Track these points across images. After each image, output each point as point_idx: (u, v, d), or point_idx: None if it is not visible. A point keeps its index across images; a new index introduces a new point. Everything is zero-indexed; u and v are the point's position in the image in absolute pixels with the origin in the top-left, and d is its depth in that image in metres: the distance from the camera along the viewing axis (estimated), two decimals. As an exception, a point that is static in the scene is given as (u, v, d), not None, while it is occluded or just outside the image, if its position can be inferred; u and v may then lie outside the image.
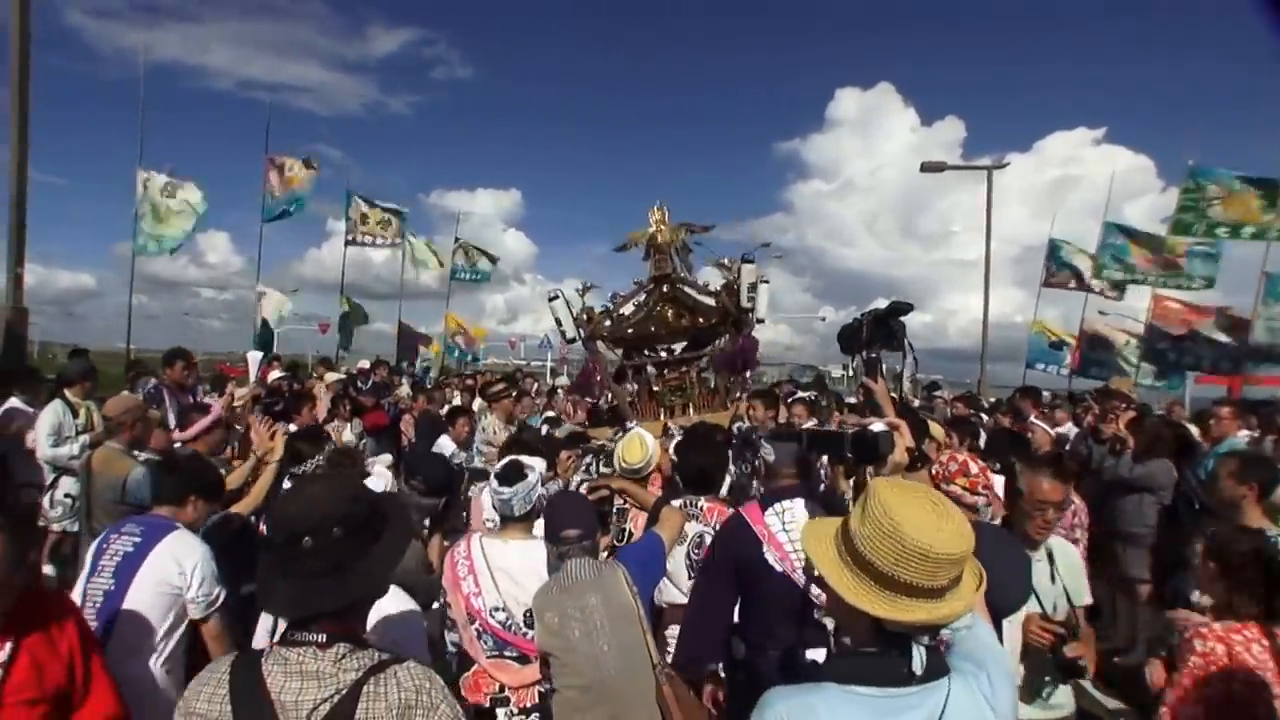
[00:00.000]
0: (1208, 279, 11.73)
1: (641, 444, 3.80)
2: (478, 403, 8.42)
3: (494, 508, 2.72)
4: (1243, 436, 5.46)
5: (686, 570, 3.02)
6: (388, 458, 6.61)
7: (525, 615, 2.53)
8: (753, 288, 6.03)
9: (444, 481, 3.06)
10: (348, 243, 13.56)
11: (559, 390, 9.50)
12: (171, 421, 5.30)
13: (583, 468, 4.44)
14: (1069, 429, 6.97)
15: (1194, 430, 6.18)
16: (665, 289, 6.21)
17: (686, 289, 6.25)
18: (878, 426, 1.92)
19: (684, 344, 6.31)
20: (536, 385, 12.96)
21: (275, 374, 7.72)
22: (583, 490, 4.10)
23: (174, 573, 2.44)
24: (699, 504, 3.10)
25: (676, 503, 3.13)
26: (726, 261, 6.35)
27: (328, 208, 13.96)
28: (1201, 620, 2.41)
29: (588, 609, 2.17)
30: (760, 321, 6.33)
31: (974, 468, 2.49)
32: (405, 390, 10.15)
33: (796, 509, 2.53)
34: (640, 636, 2.18)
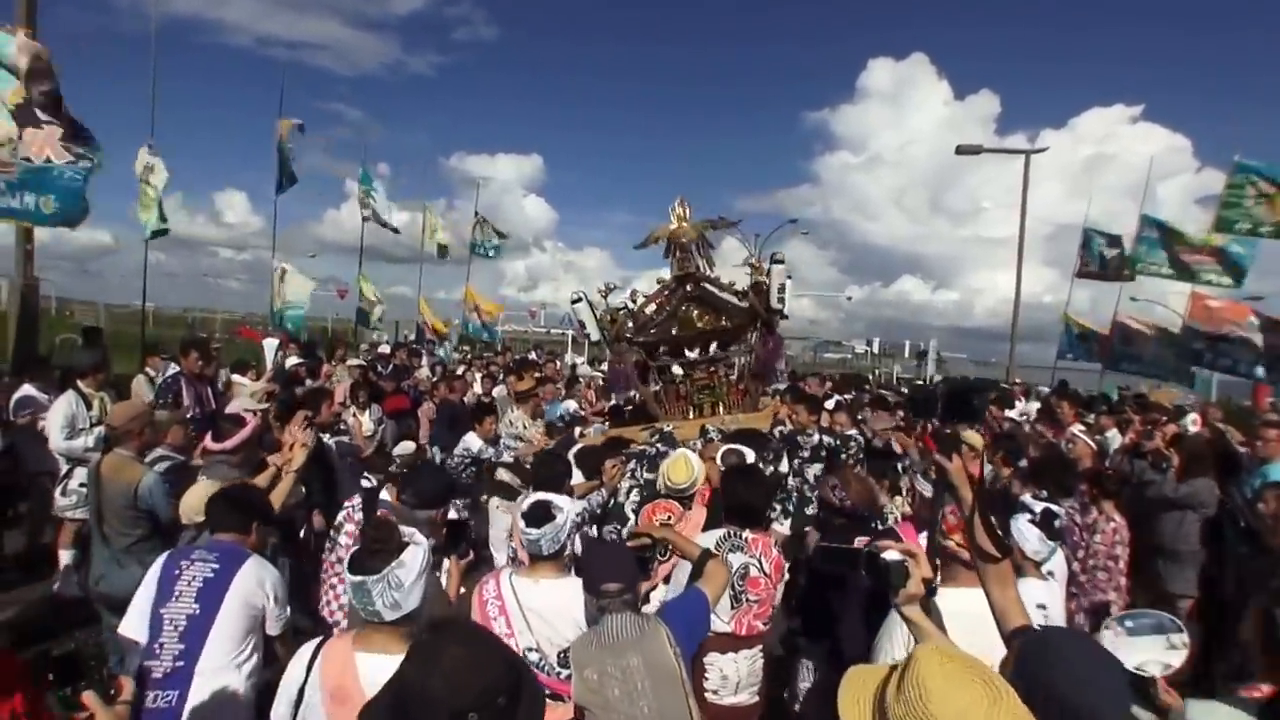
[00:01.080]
0: (1238, 277, 11.29)
1: (687, 464, 3.74)
2: (498, 390, 8.35)
3: (522, 546, 2.62)
4: None
5: (731, 601, 2.94)
6: (408, 445, 6.65)
7: (559, 656, 2.46)
8: (782, 288, 5.87)
9: (437, 494, 2.98)
10: (365, 219, 13.41)
11: (580, 379, 9.35)
12: (187, 403, 5.28)
13: (628, 474, 4.34)
14: (1112, 436, 6.78)
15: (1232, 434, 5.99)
16: (689, 288, 6.00)
17: (711, 288, 6.04)
18: (892, 555, 1.88)
19: (708, 344, 6.12)
20: (557, 364, 12.83)
21: (292, 360, 7.58)
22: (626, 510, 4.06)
23: (259, 595, 2.68)
24: (743, 535, 3.06)
25: (719, 532, 3.06)
26: (755, 261, 6.16)
27: (346, 168, 13.68)
28: None
29: (628, 669, 2.03)
30: (785, 318, 6.19)
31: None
32: (425, 372, 10.11)
33: None
34: (683, 701, 2.05)
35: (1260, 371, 10.48)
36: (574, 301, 6.07)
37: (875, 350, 44.64)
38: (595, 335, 6.09)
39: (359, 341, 14.10)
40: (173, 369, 6.12)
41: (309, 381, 7.33)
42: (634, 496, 4.09)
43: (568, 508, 2.57)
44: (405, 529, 2.31)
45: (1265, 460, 5.34)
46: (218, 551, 2.72)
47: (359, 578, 1.89)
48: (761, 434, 5.11)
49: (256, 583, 2.68)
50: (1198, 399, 14.52)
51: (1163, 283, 12.73)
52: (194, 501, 3.14)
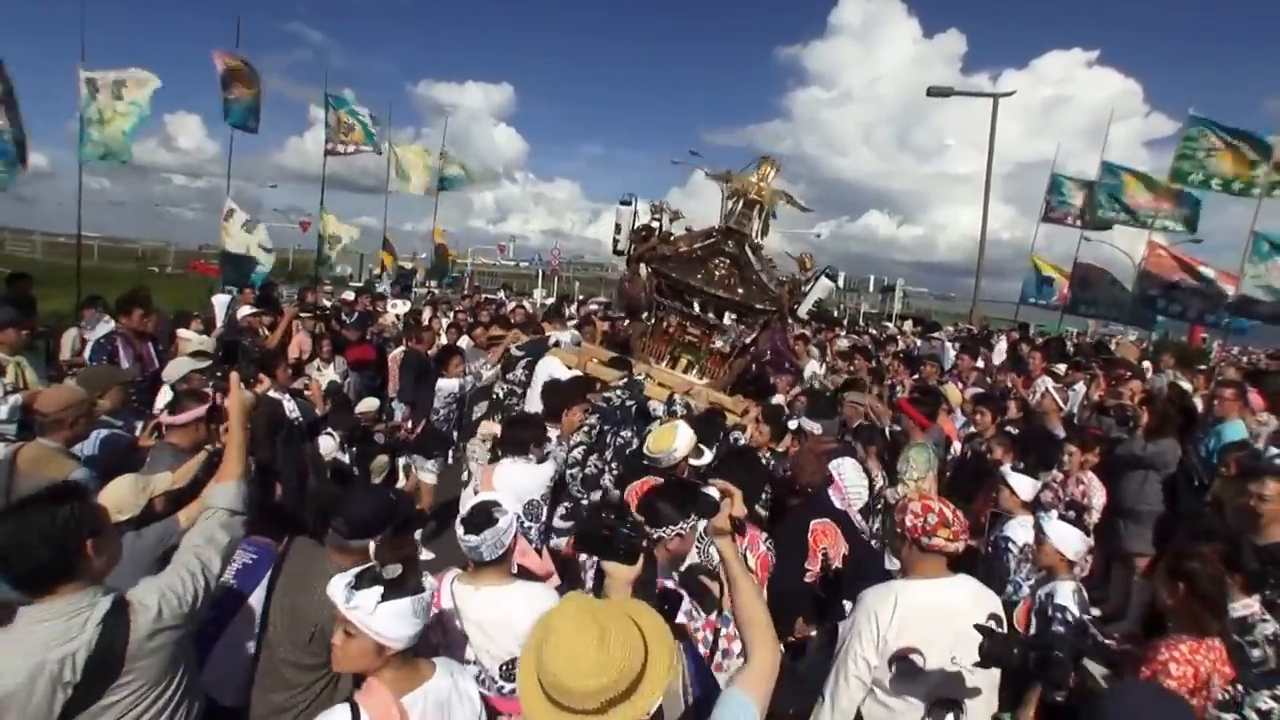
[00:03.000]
0: (1191, 224, 11.77)
1: (671, 435, 3.45)
2: (465, 340, 7.97)
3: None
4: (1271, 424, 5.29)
5: None
6: (372, 402, 6.32)
7: (501, 669, 2.26)
8: (819, 302, 5.72)
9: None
10: (328, 152, 12.46)
11: (594, 318, 8.95)
12: (125, 364, 4.80)
13: (585, 428, 4.06)
14: (1078, 389, 6.78)
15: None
16: (730, 245, 5.66)
17: (751, 257, 5.70)
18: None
19: (720, 308, 5.69)
20: (526, 305, 12.34)
21: (245, 310, 6.95)
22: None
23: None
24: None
25: (704, 522, 2.85)
26: (807, 261, 5.87)
27: (309, 92, 12.38)
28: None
29: None
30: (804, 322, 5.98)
31: (949, 515, 2.31)
32: (393, 317, 9.62)
33: (845, 464, 3.63)
34: None
35: (1209, 318, 10.76)
36: (624, 202, 5.83)
37: (841, 285, 45.15)
38: (623, 245, 5.86)
39: (319, 278, 13.28)
40: (107, 323, 5.52)
41: (265, 334, 6.86)
42: (576, 454, 3.88)
43: (510, 507, 2.34)
44: (498, 502, 2.37)
45: (1220, 419, 5.36)
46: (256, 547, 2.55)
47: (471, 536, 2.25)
48: (721, 424, 4.62)
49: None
50: (1146, 344, 14.95)
51: (1119, 238, 12.97)
52: (117, 497, 2.57)
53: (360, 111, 12.83)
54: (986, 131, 15.74)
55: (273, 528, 2.76)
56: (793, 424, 5.55)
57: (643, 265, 5.79)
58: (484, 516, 2.27)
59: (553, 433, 4.10)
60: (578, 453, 3.90)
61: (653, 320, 5.82)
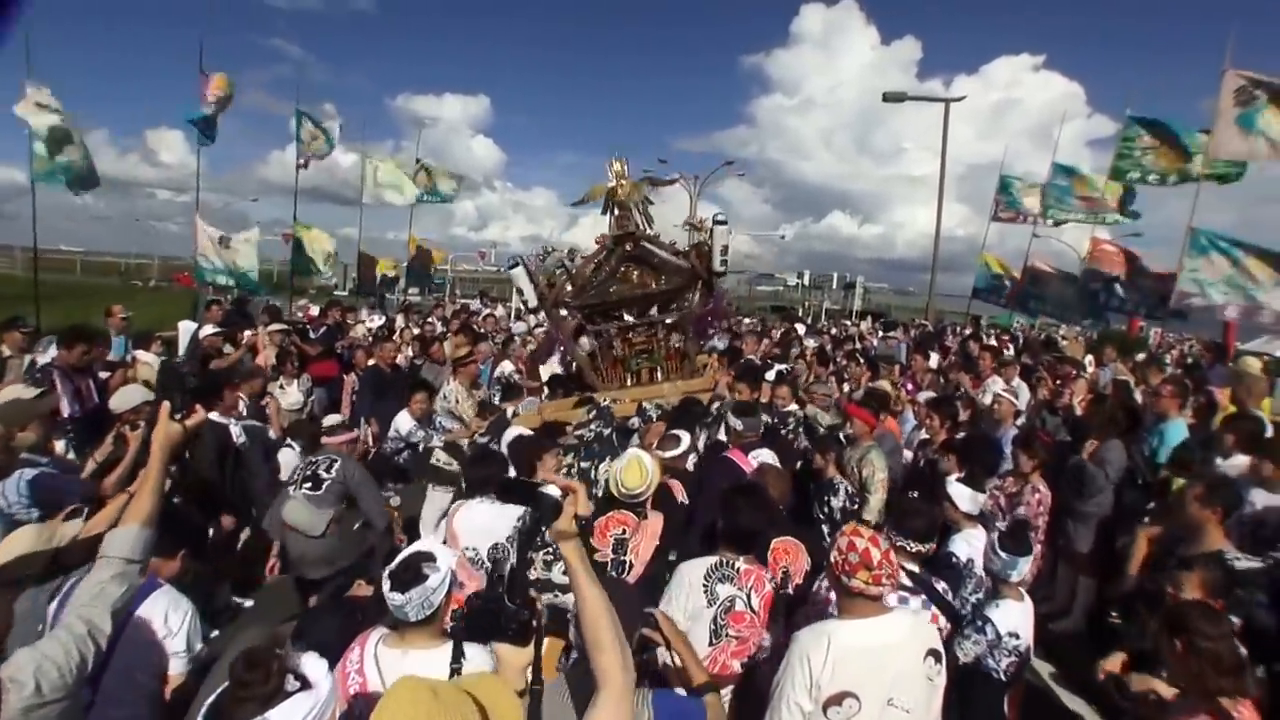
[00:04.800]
0: (1132, 217, 12.21)
1: (640, 467, 3.17)
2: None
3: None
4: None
5: (710, 635, 2.55)
6: (335, 417, 6.04)
7: None
8: (725, 249, 5.42)
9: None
10: (299, 166, 12.03)
11: (516, 338, 8.70)
12: (65, 409, 4.45)
13: (565, 469, 3.87)
14: (1019, 386, 6.68)
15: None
16: (629, 248, 5.50)
17: (651, 247, 5.56)
18: (551, 490, 1.76)
19: (648, 306, 5.67)
20: (497, 315, 12.08)
21: (206, 329, 6.63)
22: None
23: (162, 630, 2.27)
24: (737, 565, 2.60)
25: (710, 560, 2.62)
26: (698, 222, 5.68)
27: (290, 106, 11.77)
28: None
29: None
30: (722, 275, 5.79)
31: (875, 556, 2.08)
32: (363, 330, 9.28)
33: (763, 453, 3.85)
34: None
35: (1142, 310, 10.87)
36: (511, 267, 5.60)
37: (806, 282, 45.58)
38: (533, 301, 5.61)
39: (303, 289, 12.87)
40: (44, 361, 5.04)
41: (228, 349, 6.53)
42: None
43: (444, 563, 2.03)
44: (434, 554, 2.04)
45: (1162, 416, 5.28)
46: None
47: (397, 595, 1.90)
48: (700, 406, 4.76)
49: (161, 616, 2.27)
50: (1092, 334, 15.07)
51: (1069, 235, 13.14)
52: (16, 550, 2.16)
53: (327, 124, 12.42)
54: (940, 135, 15.90)
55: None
56: (770, 374, 5.70)
57: (559, 310, 5.63)
58: (412, 573, 1.97)
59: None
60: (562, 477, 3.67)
61: (593, 345, 5.62)
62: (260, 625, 2.59)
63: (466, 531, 3.29)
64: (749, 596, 2.56)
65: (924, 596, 2.65)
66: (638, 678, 1.54)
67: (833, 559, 2.16)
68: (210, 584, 4.59)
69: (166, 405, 2.10)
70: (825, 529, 3.95)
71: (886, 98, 14.04)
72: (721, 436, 4.44)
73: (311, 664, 1.46)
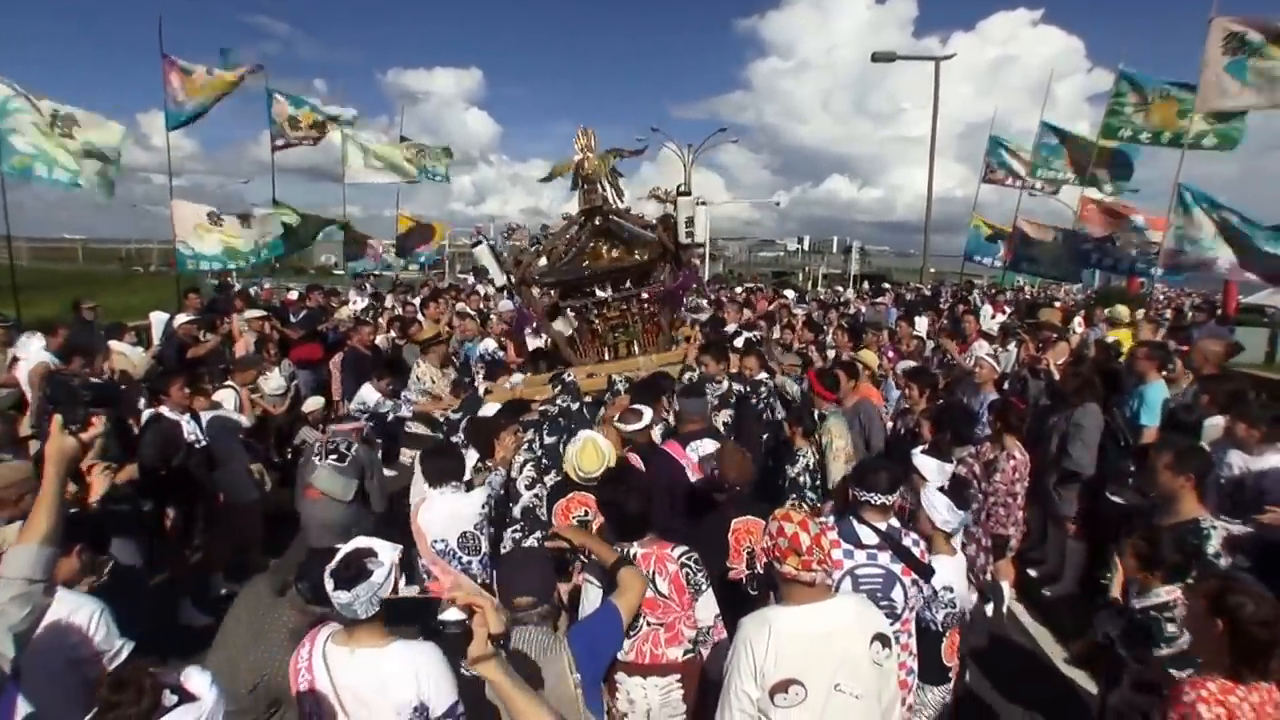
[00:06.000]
0: (1126, 175, 11.81)
1: (596, 450, 3.14)
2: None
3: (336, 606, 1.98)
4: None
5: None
6: (317, 400, 5.97)
7: None
8: (690, 221, 5.26)
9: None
10: (275, 148, 11.75)
11: (494, 316, 8.54)
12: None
13: (525, 446, 3.77)
14: (1011, 351, 6.56)
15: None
16: (597, 222, 5.36)
17: (620, 221, 5.42)
18: (451, 615, 1.54)
19: (621, 280, 5.52)
20: (481, 293, 11.87)
21: (181, 317, 6.48)
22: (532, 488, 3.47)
23: (67, 641, 2.08)
24: (631, 551, 2.52)
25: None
26: (662, 193, 5.49)
27: (280, 84, 11.45)
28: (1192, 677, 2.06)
29: None
30: (700, 245, 5.63)
31: (805, 541, 2.01)
32: (348, 311, 9.16)
33: (705, 445, 3.55)
34: None
35: (1140, 267, 10.68)
36: (474, 244, 5.47)
37: (805, 248, 45.56)
38: (500, 280, 5.48)
39: (298, 270, 12.70)
40: (38, 340, 5.00)
41: (205, 336, 6.43)
42: (529, 471, 3.56)
43: (387, 557, 1.95)
44: (377, 549, 1.94)
45: (1141, 379, 5.16)
46: None
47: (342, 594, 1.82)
48: (668, 379, 4.66)
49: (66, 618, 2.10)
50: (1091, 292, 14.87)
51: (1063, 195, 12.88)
52: None
53: (310, 100, 12.12)
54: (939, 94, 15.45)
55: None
56: (739, 341, 5.58)
57: (528, 288, 5.46)
58: (355, 570, 1.89)
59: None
60: (529, 470, 3.55)
61: (574, 328, 5.48)
62: (270, 576, 2.51)
63: (432, 524, 3.26)
64: (654, 580, 2.46)
65: (891, 553, 2.59)
66: None
67: (764, 544, 2.09)
68: (203, 574, 4.62)
69: (58, 419, 1.94)
70: (792, 498, 3.88)
71: (876, 58, 13.64)
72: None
73: (195, 678, 1.39)
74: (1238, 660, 1.93)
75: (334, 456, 3.85)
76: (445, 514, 3.26)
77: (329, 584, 1.90)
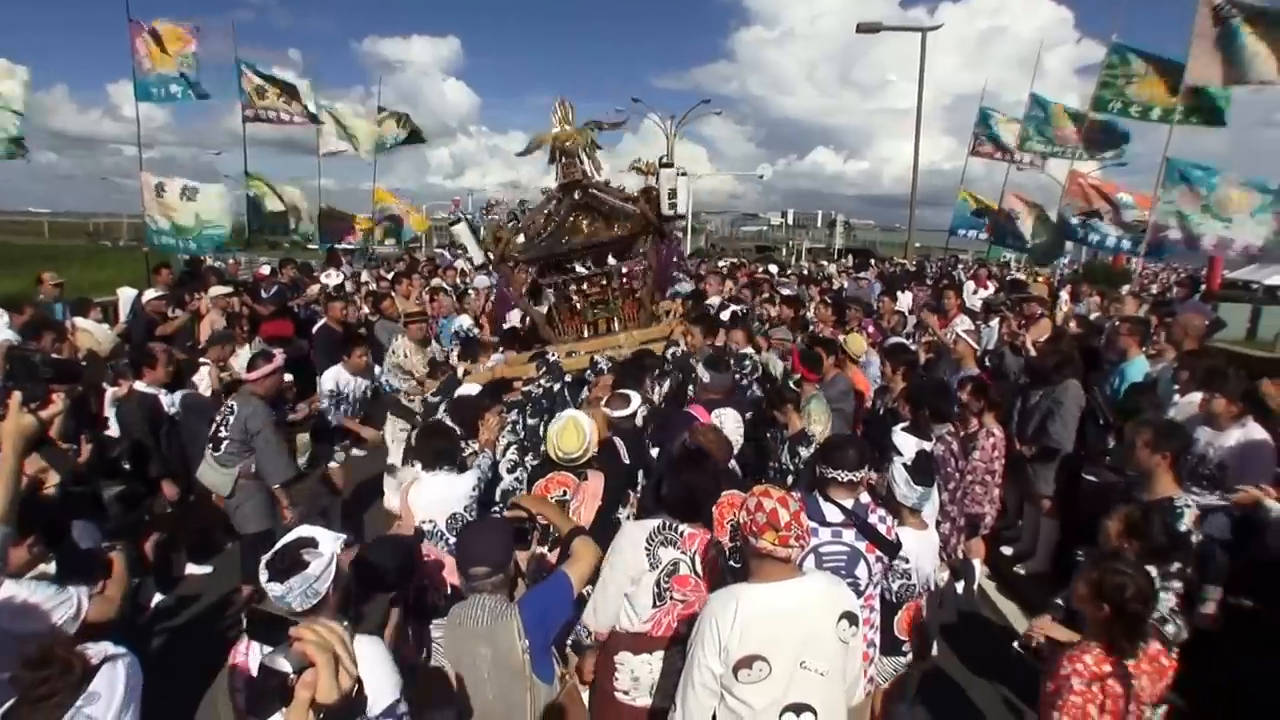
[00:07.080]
0: (1118, 153, 11.62)
1: (578, 429, 3.13)
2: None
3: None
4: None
5: (653, 598, 2.49)
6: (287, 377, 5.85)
7: None
8: (673, 193, 5.19)
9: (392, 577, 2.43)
10: (246, 119, 11.40)
11: (471, 292, 8.38)
12: None
13: (509, 427, 3.76)
14: (993, 327, 6.57)
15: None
16: (576, 196, 5.26)
17: (600, 194, 5.32)
18: (280, 665, 1.08)
19: (602, 255, 5.44)
20: (458, 268, 11.64)
21: (149, 293, 6.30)
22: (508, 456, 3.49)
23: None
24: (680, 529, 2.51)
25: (654, 523, 2.54)
26: (644, 165, 5.40)
27: (253, 54, 11.11)
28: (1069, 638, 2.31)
29: (477, 658, 2.05)
30: (681, 218, 5.56)
31: (784, 517, 2.01)
32: (317, 288, 8.95)
33: (728, 414, 3.54)
34: (524, 693, 2.02)
35: (1126, 244, 10.70)
36: (452, 223, 5.40)
37: (789, 221, 45.29)
38: (479, 259, 5.38)
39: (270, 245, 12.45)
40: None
41: (175, 311, 6.27)
42: (511, 454, 3.53)
43: (327, 548, 1.90)
44: (320, 538, 1.92)
45: (1123, 355, 5.20)
46: None
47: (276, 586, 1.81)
48: (653, 357, 4.63)
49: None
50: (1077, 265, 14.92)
51: (1052, 169, 12.80)
52: None
53: (280, 75, 11.77)
54: (927, 65, 15.31)
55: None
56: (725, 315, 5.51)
57: (508, 265, 5.38)
58: (290, 561, 1.84)
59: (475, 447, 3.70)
60: (512, 453, 3.54)
61: (552, 304, 5.41)
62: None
63: (422, 505, 3.25)
64: (693, 560, 2.49)
65: (855, 530, 2.61)
66: None
67: (741, 519, 2.08)
68: (165, 554, 4.56)
69: (17, 396, 1.88)
70: (790, 481, 3.86)
71: (860, 28, 13.46)
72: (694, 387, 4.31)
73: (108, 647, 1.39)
74: (1117, 635, 2.06)
75: (210, 445, 3.76)
76: (436, 495, 3.25)
77: (263, 575, 1.85)
